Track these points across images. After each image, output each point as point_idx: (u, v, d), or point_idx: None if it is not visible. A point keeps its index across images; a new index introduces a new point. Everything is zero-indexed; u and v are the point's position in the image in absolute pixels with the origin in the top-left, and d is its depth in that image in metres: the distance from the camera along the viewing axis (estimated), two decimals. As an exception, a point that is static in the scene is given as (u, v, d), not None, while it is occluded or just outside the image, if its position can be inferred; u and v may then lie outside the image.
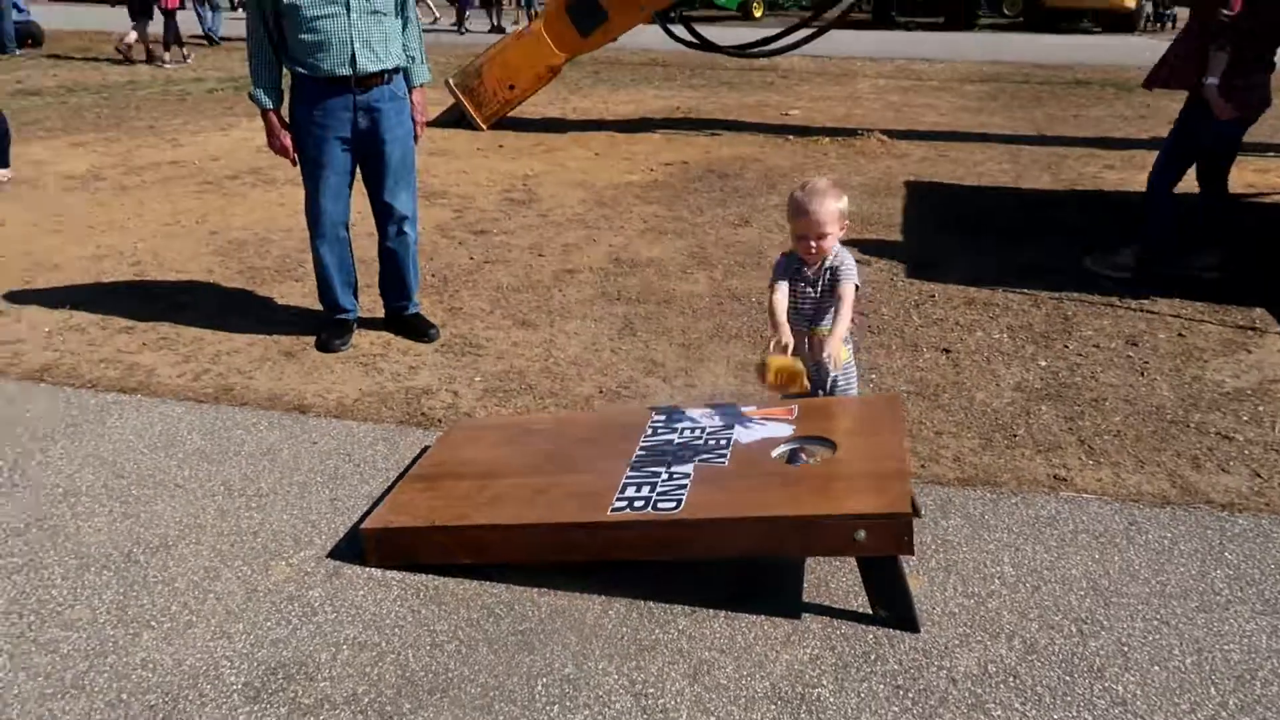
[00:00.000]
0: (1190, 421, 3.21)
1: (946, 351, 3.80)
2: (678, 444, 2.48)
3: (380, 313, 4.00)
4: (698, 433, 2.52)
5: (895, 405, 2.53)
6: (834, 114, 9.69)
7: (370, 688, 2.00)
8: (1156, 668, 2.07)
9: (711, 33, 9.29)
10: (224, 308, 4.16)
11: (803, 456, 2.44)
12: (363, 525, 2.42)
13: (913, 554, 2.10)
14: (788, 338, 2.44)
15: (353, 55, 3.33)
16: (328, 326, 3.80)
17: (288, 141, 3.51)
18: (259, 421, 3.14)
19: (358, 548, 2.41)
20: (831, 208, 2.54)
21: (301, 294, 4.29)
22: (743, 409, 2.63)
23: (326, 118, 3.42)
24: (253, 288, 4.43)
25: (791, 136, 8.39)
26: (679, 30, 8.85)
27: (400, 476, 2.71)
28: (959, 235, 5.35)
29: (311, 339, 3.80)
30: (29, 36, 15.14)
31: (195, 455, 2.92)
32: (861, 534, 2.05)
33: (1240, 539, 2.53)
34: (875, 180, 6.72)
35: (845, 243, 2.74)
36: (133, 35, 13.36)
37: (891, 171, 7.03)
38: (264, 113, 3.49)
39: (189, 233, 5.28)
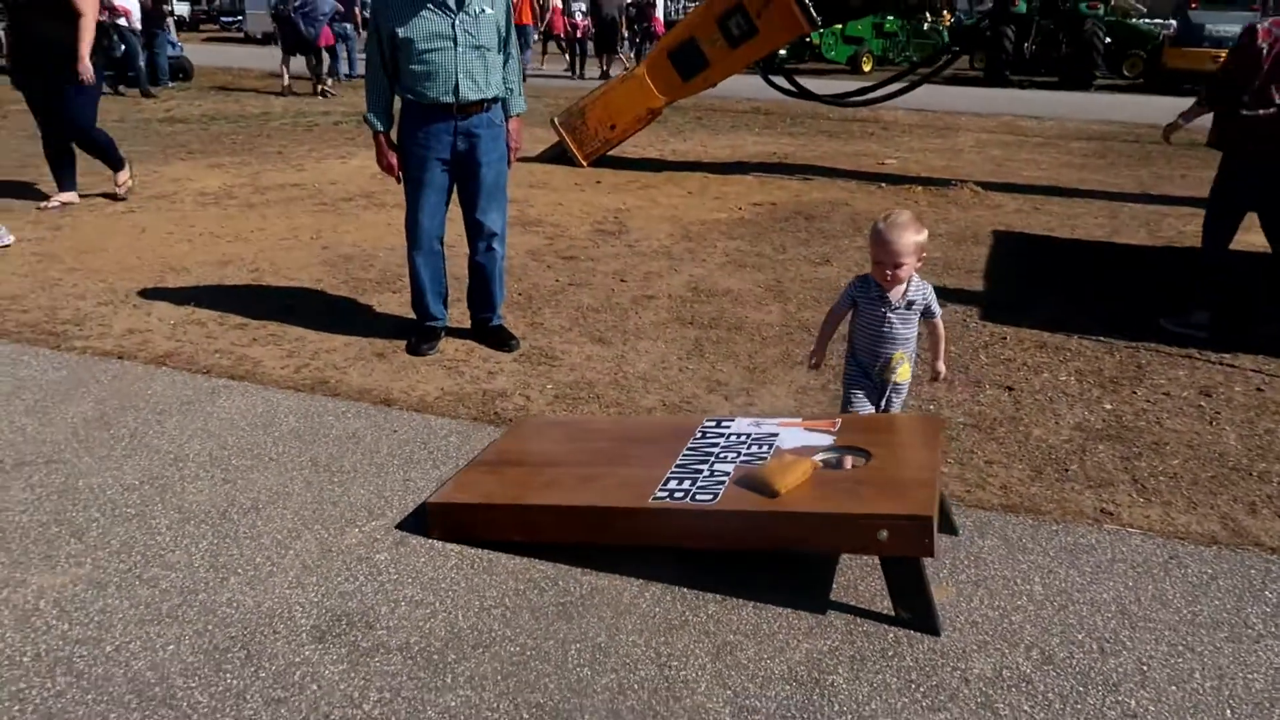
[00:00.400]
0: (1254, 470, 3.20)
1: (1009, 389, 3.85)
2: (723, 447, 2.63)
3: (468, 324, 4.28)
4: (743, 438, 2.67)
5: (934, 425, 2.63)
6: (931, 165, 9.73)
7: (421, 639, 2.20)
8: (1174, 688, 2.11)
9: (818, 85, 9.49)
10: (327, 312, 4.50)
11: (846, 464, 2.57)
12: (428, 500, 2.64)
13: (933, 556, 2.19)
14: (819, 359, 2.68)
15: (456, 85, 3.65)
16: (418, 332, 4.09)
17: (394, 160, 3.84)
18: (347, 410, 3.43)
19: (423, 521, 2.64)
20: (910, 240, 2.69)
21: (398, 304, 4.61)
22: (789, 420, 2.77)
23: (429, 140, 3.73)
24: (355, 296, 4.78)
25: (884, 184, 8.49)
26: (779, 80, 9.07)
27: (469, 464, 2.93)
28: (1041, 284, 5.36)
29: (403, 343, 4.10)
30: (181, 70, 16.39)
31: (289, 435, 3.21)
32: (884, 534, 2.16)
33: (1283, 579, 2.54)
34: (962, 228, 6.76)
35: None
36: (286, 75, 14.51)
37: (981, 221, 7.06)
38: (375, 134, 3.83)
39: (303, 246, 5.71)
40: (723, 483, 2.41)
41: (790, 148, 10.90)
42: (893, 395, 2.87)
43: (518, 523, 2.49)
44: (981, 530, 2.74)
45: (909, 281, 2.78)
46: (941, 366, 3.00)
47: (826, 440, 2.60)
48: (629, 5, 23.05)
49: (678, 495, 2.38)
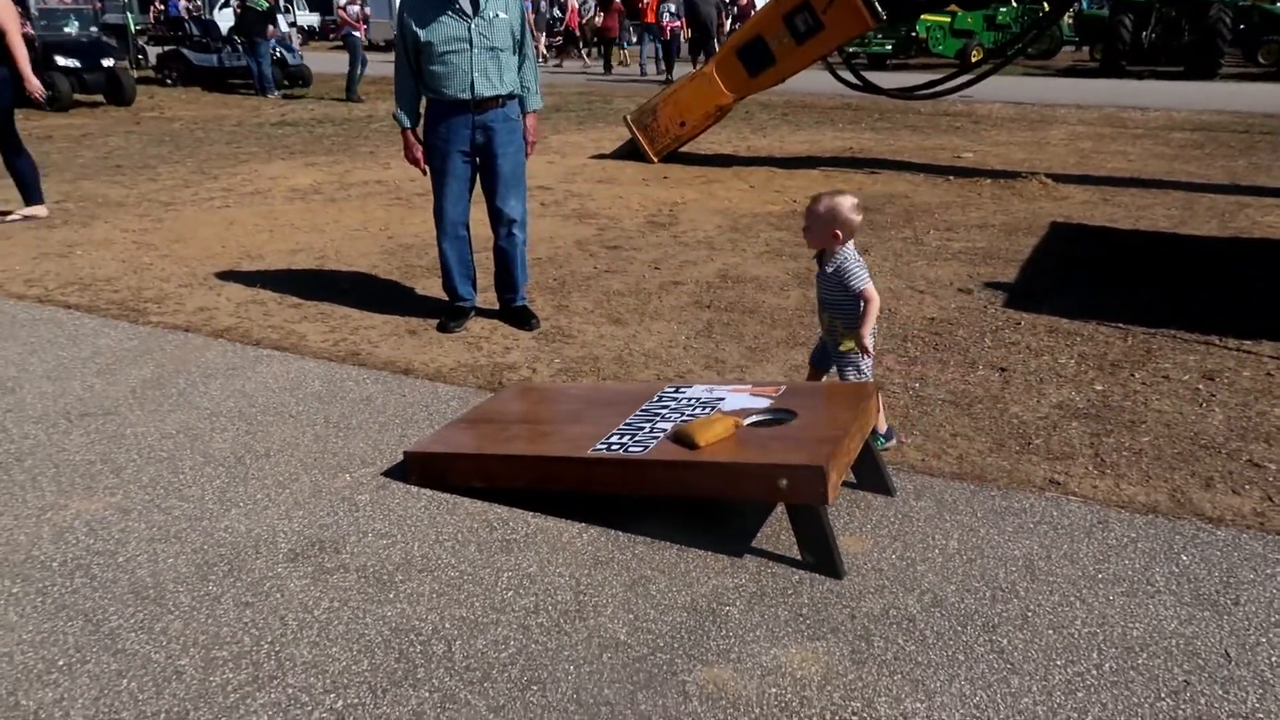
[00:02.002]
0: (1226, 449, 3.22)
1: (1002, 370, 3.94)
2: (672, 409, 2.87)
3: (497, 305, 4.62)
4: (692, 401, 2.91)
5: (861, 390, 2.80)
6: (1010, 158, 9.61)
7: (378, 563, 2.53)
8: (1051, 632, 2.25)
9: (919, 81, 9.48)
10: (375, 294, 4.93)
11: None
12: (406, 449, 2.98)
13: (827, 503, 2.38)
14: None
15: (472, 83, 3.99)
16: (447, 311, 4.46)
17: (419, 154, 4.22)
18: (368, 378, 3.81)
19: (405, 469, 2.97)
20: (820, 206, 2.93)
21: (440, 288, 4.99)
22: (740, 386, 2.99)
23: (450, 133, 4.10)
24: (404, 280, 5.19)
25: (952, 177, 8.46)
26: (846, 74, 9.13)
27: (452, 421, 3.26)
28: (1078, 273, 5.35)
29: (435, 322, 4.47)
30: (300, 78, 17.48)
31: (310, 396, 3.61)
32: (784, 482, 2.37)
33: (1206, 546, 2.61)
34: (1019, 220, 6.74)
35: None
36: None
37: (1042, 213, 7.01)
38: (402, 130, 4.22)
39: (370, 237, 6.19)
40: (656, 438, 2.65)
41: (869, 142, 10.91)
42: (842, 366, 3.05)
43: (478, 470, 2.80)
44: (919, 493, 2.90)
45: (836, 252, 2.95)
46: (861, 338, 2.94)
47: (765, 404, 2.81)
48: (729, 3, 23.14)
49: (614, 448, 2.64)
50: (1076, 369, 3.94)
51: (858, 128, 12.24)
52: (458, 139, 4.10)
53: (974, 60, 22.30)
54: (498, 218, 4.30)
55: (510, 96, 4.13)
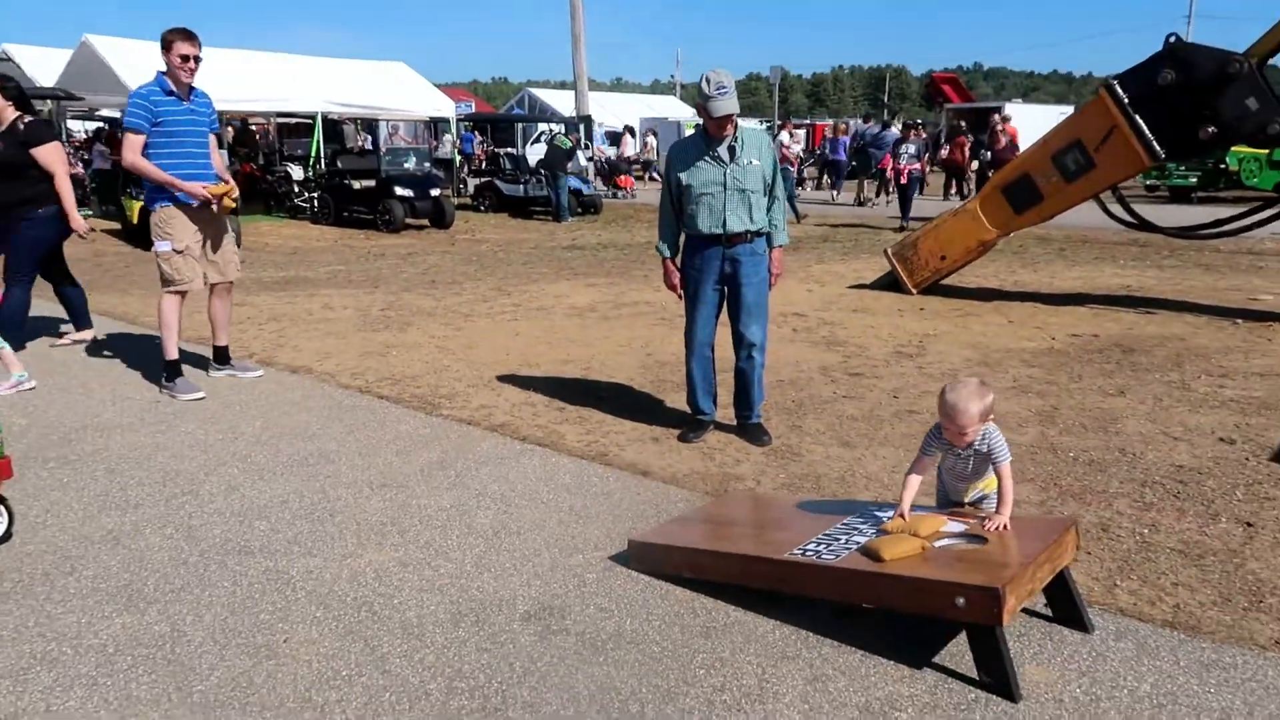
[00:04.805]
0: None
1: (1249, 525, 3.75)
2: (871, 525, 3.09)
3: (735, 421, 5.01)
4: (889, 520, 3.10)
5: (1057, 524, 2.87)
6: (1317, 301, 8.82)
7: (594, 630, 2.92)
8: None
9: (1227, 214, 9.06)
10: (629, 404, 5.49)
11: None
12: (630, 537, 3.39)
13: (1001, 624, 2.49)
14: (905, 512, 3.01)
15: (724, 220, 4.52)
16: (689, 423, 4.91)
17: (676, 280, 4.78)
18: (611, 476, 4.30)
19: (629, 556, 3.38)
20: (975, 410, 2.94)
21: (685, 403, 5.48)
22: (943, 511, 3.15)
23: (703, 264, 4.63)
24: (656, 393, 5.73)
25: (1240, 321, 7.92)
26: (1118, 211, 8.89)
27: (673, 518, 3.64)
28: (1363, 429, 4.91)
29: (677, 432, 4.93)
30: (592, 206, 19.33)
31: (561, 487, 4.15)
32: (961, 600, 2.52)
33: None
34: (1310, 369, 6.23)
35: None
36: None
37: (1342, 363, 6.43)
38: (664, 260, 4.81)
39: (633, 352, 6.85)
40: (849, 549, 2.88)
41: (1152, 280, 10.39)
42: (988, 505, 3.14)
43: (689, 562, 3.15)
44: (1120, 635, 2.89)
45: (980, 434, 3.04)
46: (999, 519, 2.92)
47: (960, 528, 2.96)
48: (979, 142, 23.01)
49: (809, 554, 2.90)
50: (1339, 532, 3.67)
51: (1141, 265, 11.68)
52: (709, 269, 4.62)
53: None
54: (740, 341, 4.74)
55: (758, 233, 4.60)
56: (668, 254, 4.80)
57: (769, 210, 4.65)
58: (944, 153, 20.86)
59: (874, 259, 11.79)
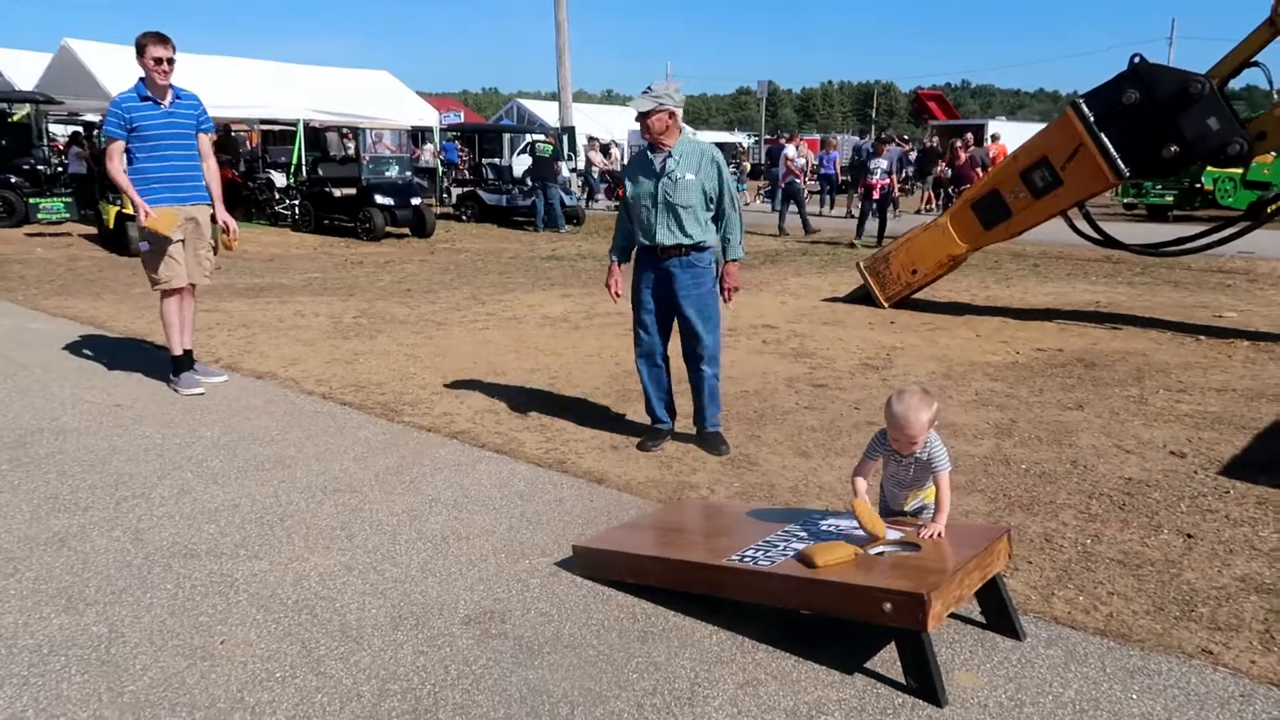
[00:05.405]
0: None
1: (1188, 536, 3.81)
2: (810, 533, 3.12)
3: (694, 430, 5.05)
4: (830, 528, 3.14)
5: (989, 532, 2.92)
6: (1280, 320, 8.94)
7: (533, 634, 2.94)
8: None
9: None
10: (593, 414, 5.52)
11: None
12: (574, 544, 3.41)
13: (926, 630, 2.53)
14: (862, 493, 3.10)
15: (654, 232, 4.63)
16: (647, 432, 4.95)
17: (613, 281, 4.96)
18: (565, 483, 4.33)
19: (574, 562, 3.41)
20: (925, 419, 3.02)
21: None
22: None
23: (642, 271, 4.81)
24: (619, 404, 5.76)
25: (1203, 337, 8.02)
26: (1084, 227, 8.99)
27: (620, 525, 3.67)
28: (1311, 444, 4.99)
29: (637, 440, 4.96)
30: (574, 217, 19.39)
31: (514, 494, 4.17)
32: (888, 606, 2.56)
33: (1357, 734, 2.46)
34: (1268, 386, 6.32)
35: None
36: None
37: (1299, 381, 6.52)
38: (610, 264, 4.94)
39: (601, 362, 6.88)
40: (786, 555, 2.92)
41: (1122, 297, 10.51)
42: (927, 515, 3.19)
43: (630, 567, 3.17)
44: (1051, 642, 2.93)
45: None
46: (934, 527, 2.97)
47: (896, 535, 3.00)
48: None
49: (746, 559, 2.93)
50: (1278, 544, 3.73)
51: (1112, 281, 11.81)
52: (646, 277, 4.81)
53: (1270, 212, 20.71)
54: (688, 354, 4.82)
55: (695, 246, 4.65)
56: (614, 259, 4.97)
57: (721, 223, 4.70)
58: (941, 169, 21.30)
59: (849, 273, 11.87)
